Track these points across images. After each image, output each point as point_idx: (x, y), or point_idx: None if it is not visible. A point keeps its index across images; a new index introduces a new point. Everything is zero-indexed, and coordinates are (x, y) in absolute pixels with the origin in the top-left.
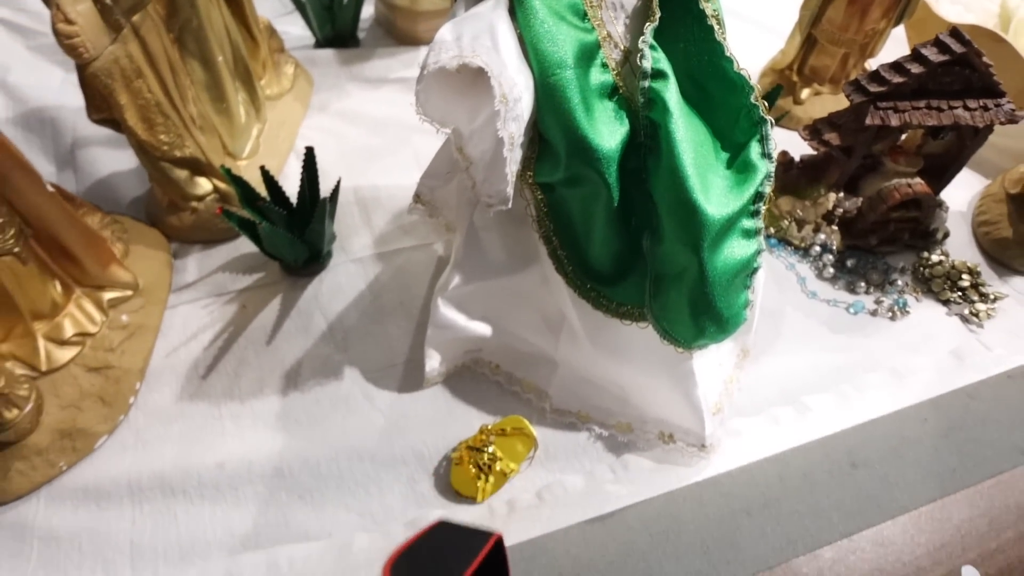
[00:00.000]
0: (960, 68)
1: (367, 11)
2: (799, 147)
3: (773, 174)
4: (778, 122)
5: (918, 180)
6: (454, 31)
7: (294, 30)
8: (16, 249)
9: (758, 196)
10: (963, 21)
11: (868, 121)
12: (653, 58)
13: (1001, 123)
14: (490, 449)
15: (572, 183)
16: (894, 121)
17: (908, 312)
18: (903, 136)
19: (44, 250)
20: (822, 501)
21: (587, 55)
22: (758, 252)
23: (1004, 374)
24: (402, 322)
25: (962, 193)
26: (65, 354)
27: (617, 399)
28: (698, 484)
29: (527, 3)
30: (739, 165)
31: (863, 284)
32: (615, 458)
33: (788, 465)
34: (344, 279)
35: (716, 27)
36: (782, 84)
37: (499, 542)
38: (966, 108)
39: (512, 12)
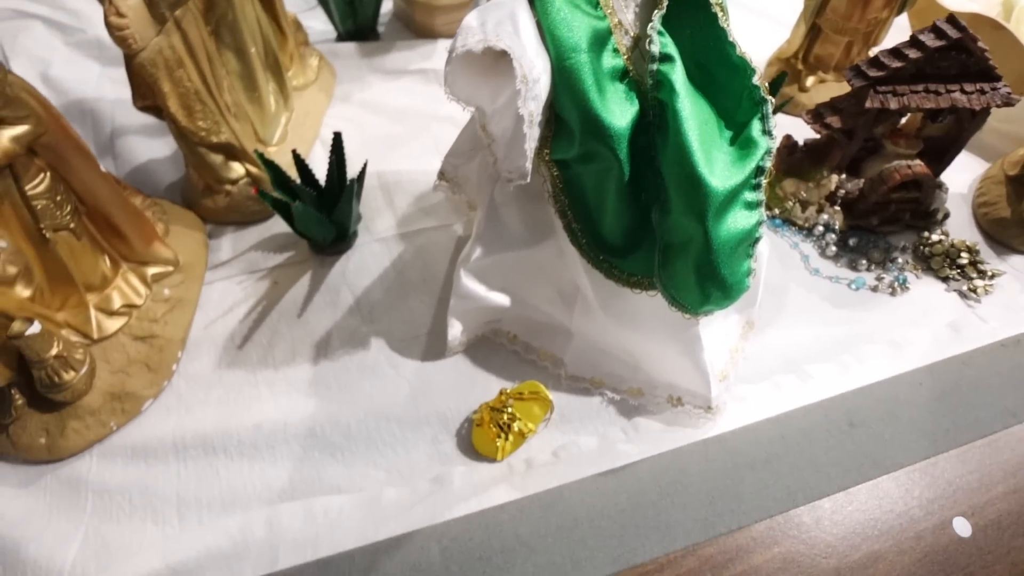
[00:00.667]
0: (957, 53)
1: (386, 6)
2: (803, 132)
3: (773, 150)
4: (783, 108)
5: (918, 162)
6: (479, 18)
7: (317, 24)
8: (72, 225)
9: (759, 170)
10: (965, 10)
11: (868, 104)
12: (661, 43)
13: (997, 106)
14: (509, 409)
15: (586, 160)
16: (893, 104)
17: (908, 288)
18: (903, 119)
19: (95, 227)
20: (821, 457)
21: (600, 41)
22: (759, 223)
23: (997, 343)
24: (424, 297)
25: (963, 176)
26: (114, 324)
27: (628, 366)
28: (704, 441)
29: None
30: (742, 142)
31: (864, 262)
32: (626, 420)
33: (789, 425)
34: (369, 257)
35: (720, 14)
36: (787, 71)
37: None
38: (963, 92)
39: (531, 1)
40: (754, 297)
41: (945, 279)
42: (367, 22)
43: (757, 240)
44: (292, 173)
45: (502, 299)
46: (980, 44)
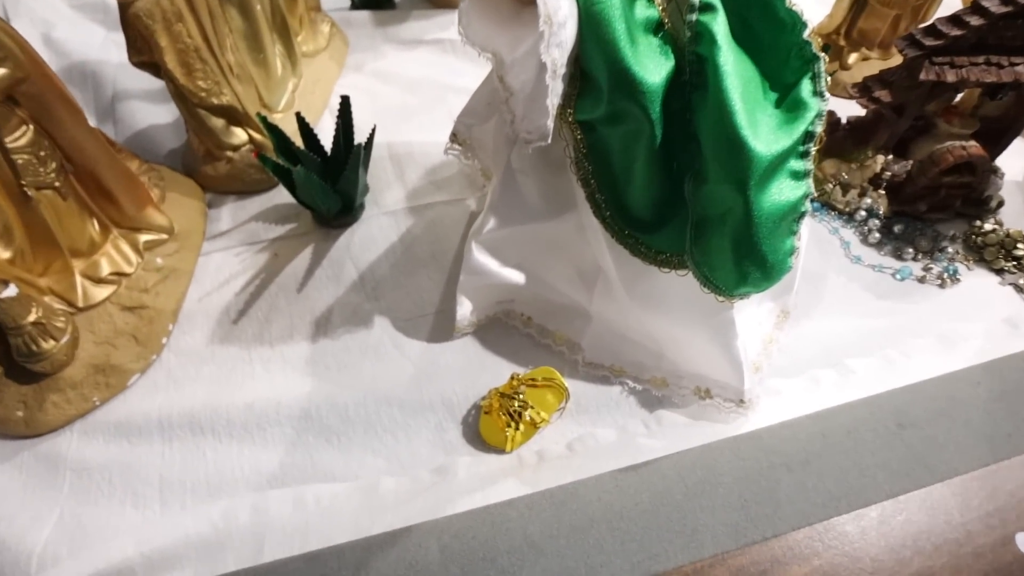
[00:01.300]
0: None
1: None
2: (846, 110)
3: (824, 113)
4: None
5: (973, 143)
6: None
7: None
8: (57, 183)
9: (808, 136)
10: None
11: (922, 76)
12: None
13: None
14: (520, 396)
15: (614, 120)
16: (950, 77)
17: (959, 280)
18: (959, 95)
19: (83, 187)
20: (866, 459)
21: None
22: (806, 196)
23: None
24: (433, 274)
25: (1019, 162)
26: (101, 292)
27: (652, 353)
28: (736, 438)
29: None
30: (789, 103)
31: (911, 250)
32: (648, 413)
33: (831, 422)
34: (376, 231)
35: None
36: (828, 47)
37: None
38: None
39: None
40: (791, 283)
41: (999, 271)
42: None
43: (803, 215)
44: (298, 142)
45: (516, 276)
46: None
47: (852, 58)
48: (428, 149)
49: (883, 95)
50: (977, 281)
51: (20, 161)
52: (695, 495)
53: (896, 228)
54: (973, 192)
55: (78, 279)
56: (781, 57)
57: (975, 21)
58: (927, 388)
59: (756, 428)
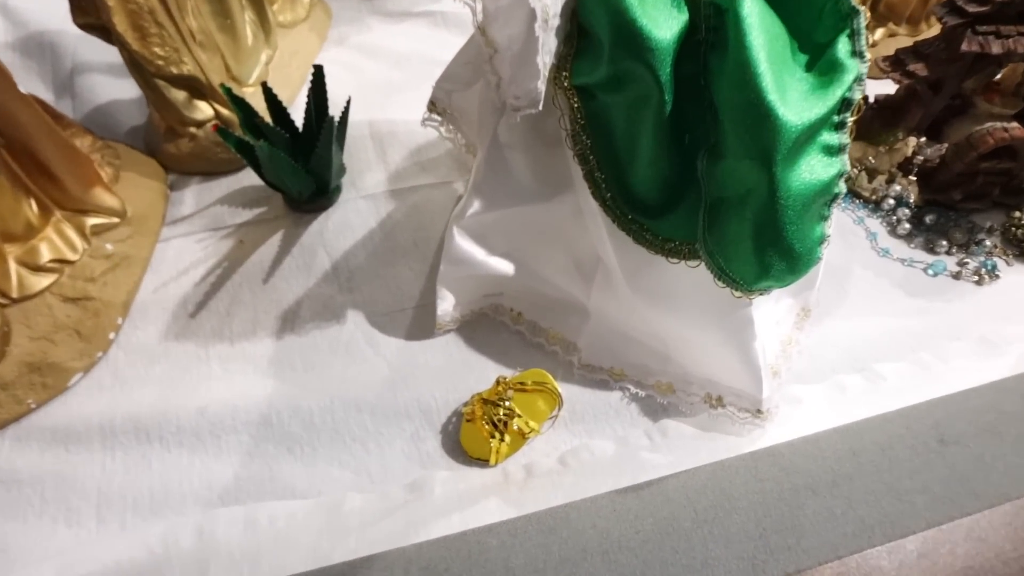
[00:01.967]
0: None
1: None
2: (872, 88)
3: (864, 77)
4: None
5: (1015, 124)
6: None
7: None
8: None
9: (846, 103)
10: None
11: (964, 47)
12: None
13: None
14: (507, 403)
15: (616, 85)
16: (995, 48)
17: (998, 276)
18: (1002, 71)
19: (18, 164)
20: (904, 482)
21: None
22: (841, 175)
23: None
24: (415, 264)
25: None
26: (40, 281)
27: (657, 355)
28: (753, 454)
29: None
30: (822, 66)
31: (944, 243)
32: (652, 423)
33: (861, 438)
34: (353, 216)
35: None
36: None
37: None
38: None
39: None
40: (813, 278)
41: None
42: None
43: (836, 198)
44: (268, 117)
45: (504, 266)
46: None
47: (878, 34)
48: (413, 128)
49: (918, 69)
50: (1018, 278)
51: None
52: (705, 522)
53: (928, 218)
54: (1013, 179)
55: (12, 266)
56: (813, 14)
57: None
58: (971, 399)
59: (775, 443)
